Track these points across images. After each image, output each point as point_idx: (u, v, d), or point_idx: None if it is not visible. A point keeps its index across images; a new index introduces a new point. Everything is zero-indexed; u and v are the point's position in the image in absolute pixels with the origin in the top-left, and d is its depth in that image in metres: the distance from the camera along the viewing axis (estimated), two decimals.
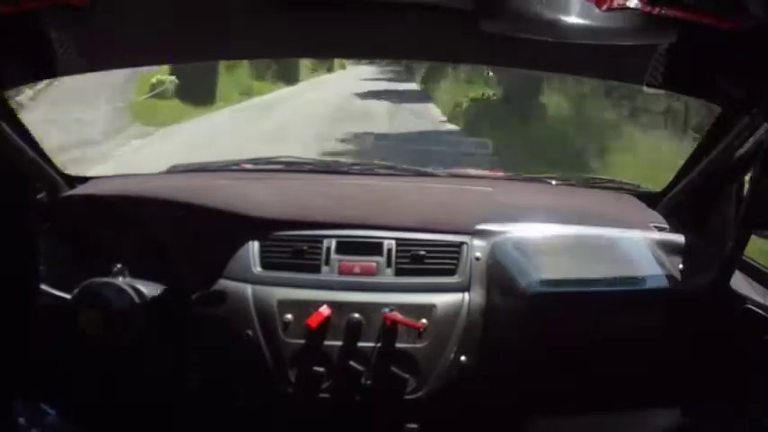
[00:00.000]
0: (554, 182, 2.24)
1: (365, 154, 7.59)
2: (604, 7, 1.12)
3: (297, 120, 11.87)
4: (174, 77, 11.98)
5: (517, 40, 1.35)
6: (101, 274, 1.67)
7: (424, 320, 1.68)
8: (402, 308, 1.68)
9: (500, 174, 2.50)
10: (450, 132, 11.62)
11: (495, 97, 13.22)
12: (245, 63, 13.93)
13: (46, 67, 1.57)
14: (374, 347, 1.67)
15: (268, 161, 2.34)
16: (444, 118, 13.31)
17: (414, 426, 1.71)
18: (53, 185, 1.86)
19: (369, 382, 1.67)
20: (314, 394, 1.68)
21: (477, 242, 1.78)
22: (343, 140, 9.81)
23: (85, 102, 9.69)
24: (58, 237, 1.79)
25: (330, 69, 22.71)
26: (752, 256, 1.73)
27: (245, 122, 11.59)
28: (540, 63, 1.82)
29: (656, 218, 1.91)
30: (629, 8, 1.11)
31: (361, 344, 1.67)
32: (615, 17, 1.15)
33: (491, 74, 13.47)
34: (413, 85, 19.04)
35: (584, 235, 1.81)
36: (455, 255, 1.77)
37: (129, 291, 1.64)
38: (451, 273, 1.76)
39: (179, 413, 1.81)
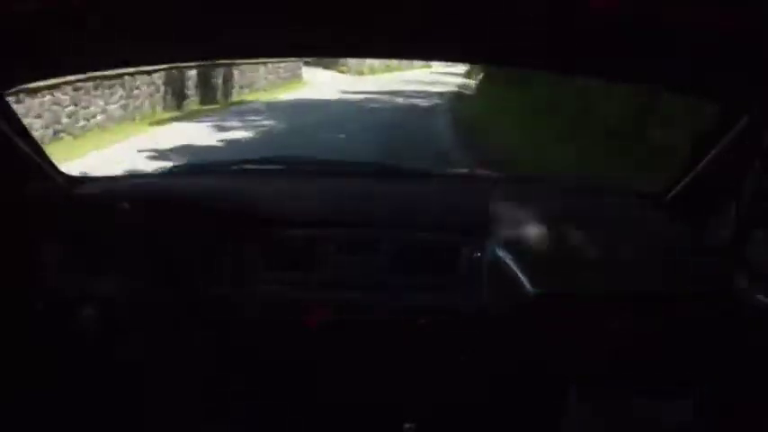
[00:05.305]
0: (554, 182, 2.24)
1: None
2: (603, 7, 1.12)
3: None
4: None
5: (517, 41, 1.35)
6: (101, 274, 1.67)
7: (423, 320, 1.68)
8: (402, 308, 1.68)
9: (500, 174, 2.50)
10: None
11: None
12: None
13: (46, 67, 1.57)
14: (374, 347, 1.68)
15: (268, 161, 2.34)
16: None
17: (413, 425, 1.71)
18: (53, 185, 1.86)
19: (368, 381, 1.67)
20: (314, 394, 1.69)
21: (477, 242, 1.78)
22: None
23: None
24: (58, 237, 1.79)
25: None
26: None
27: None
28: (541, 63, 1.82)
29: (657, 218, 1.91)
30: (627, 8, 1.11)
31: (360, 343, 1.68)
32: (615, 17, 1.15)
33: None
34: None
35: (583, 235, 1.81)
36: (455, 255, 1.77)
37: (130, 291, 1.64)
38: (451, 272, 1.76)
39: (179, 413, 1.81)
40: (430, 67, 27.89)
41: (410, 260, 1.76)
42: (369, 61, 24.43)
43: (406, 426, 1.71)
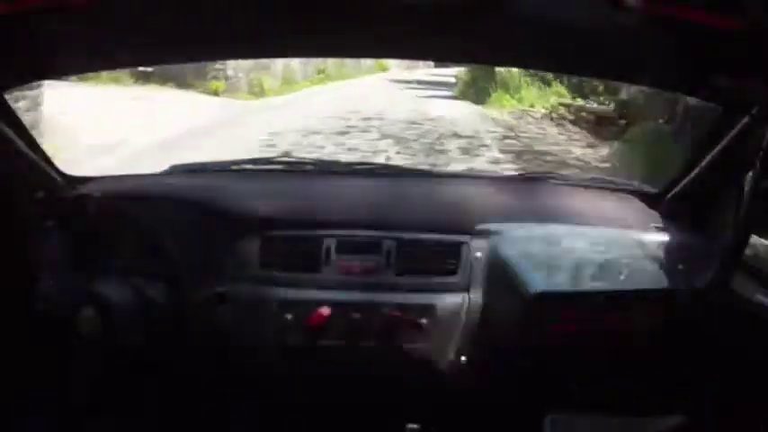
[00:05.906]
0: (554, 182, 2.24)
1: None
2: (604, 7, 1.12)
3: None
4: None
5: (517, 40, 1.35)
6: (101, 274, 1.67)
7: (424, 320, 1.68)
8: (402, 308, 1.68)
9: (500, 174, 2.50)
10: None
11: None
12: None
13: (46, 67, 1.57)
14: (374, 347, 1.68)
15: (268, 161, 2.35)
16: None
17: (414, 426, 1.71)
18: (53, 185, 1.86)
19: (368, 382, 1.67)
20: (314, 394, 1.69)
21: (477, 242, 1.78)
22: None
23: None
24: (58, 237, 1.79)
25: None
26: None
27: None
28: (541, 63, 1.82)
29: (656, 218, 1.91)
30: (629, 7, 1.11)
31: (361, 344, 1.68)
32: (615, 17, 1.15)
33: None
34: None
35: (583, 235, 1.82)
36: (455, 255, 1.77)
37: (129, 291, 1.64)
38: (452, 273, 1.76)
39: (178, 413, 1.81)
40: (386, 69, 21.03)
41: (410, 260, 1.76)
42: (280, 65, 14.53)
43: (409, 426, 1.71)
